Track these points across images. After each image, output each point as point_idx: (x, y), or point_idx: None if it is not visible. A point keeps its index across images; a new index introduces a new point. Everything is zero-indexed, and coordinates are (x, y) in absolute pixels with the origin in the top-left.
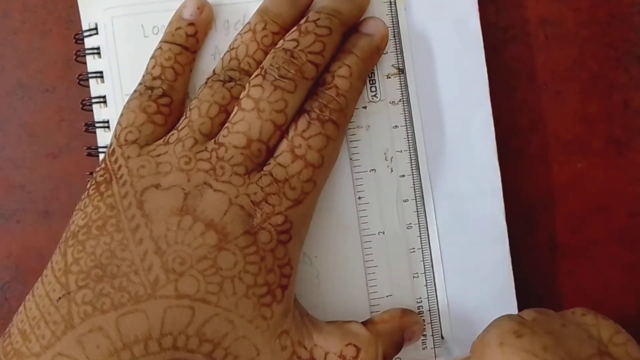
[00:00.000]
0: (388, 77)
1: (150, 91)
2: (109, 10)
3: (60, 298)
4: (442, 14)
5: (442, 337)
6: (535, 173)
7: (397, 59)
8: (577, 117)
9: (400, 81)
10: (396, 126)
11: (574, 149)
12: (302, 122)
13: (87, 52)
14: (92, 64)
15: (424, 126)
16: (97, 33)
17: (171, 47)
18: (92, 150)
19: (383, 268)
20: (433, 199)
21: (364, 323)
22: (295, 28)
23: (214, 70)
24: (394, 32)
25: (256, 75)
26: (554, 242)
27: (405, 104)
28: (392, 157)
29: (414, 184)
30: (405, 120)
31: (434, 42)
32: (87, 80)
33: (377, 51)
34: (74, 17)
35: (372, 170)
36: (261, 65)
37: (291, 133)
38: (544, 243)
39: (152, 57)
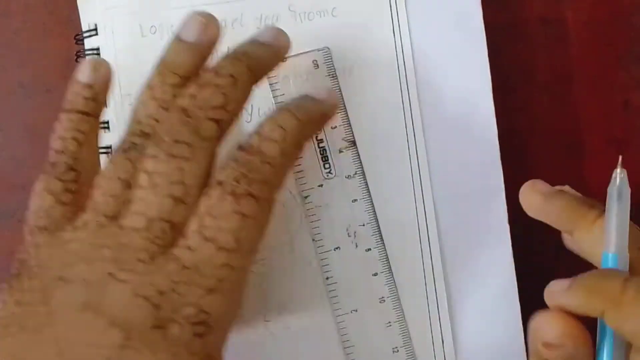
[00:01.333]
0: (341, 151)
1: (54, 168)
2: (109, 10)
3: None
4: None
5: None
6: (535, 173)
7: (347, 132)
8: (577, 117)
9: (353, 154)
10: (355, 200)
11: (574, 149)
12: (211, 197)
13: (87, 52)
14: None
15: (426, 128)
16: (97, 34)
17: (70, 116)
18: None
19: (361, 346)
20: (433, 199)
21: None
22: (193, 79)
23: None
24: (342, 105)
25: (150, 144)
26: (554, 242)
27: (360, 176)
28: (355, 232)
29: (380, 257)
30: (364, 193)
31: (436, 41)
32: None
33: (322, 118)
34: (74, 17)
35: (337, 248)
36: (155, 130)
37: (201, 208)
38: (544, 243)
39: (53, 131)
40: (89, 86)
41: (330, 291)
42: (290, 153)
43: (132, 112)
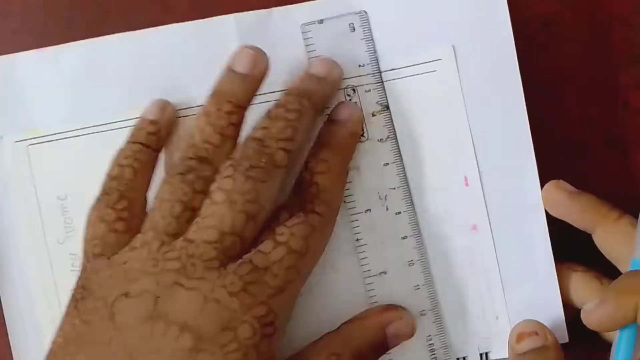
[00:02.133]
0: (373, 115)
1: (107, 196)
2: None
3: None
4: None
5: None
6: None
7: (381, 96)
8: (577, 117)
9: (386, 118)
10: (387, 163)
11: (574, 149)
12: (283, 214)
13: None
14: None
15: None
16: None
17: (131, 146)
18: None
19: None
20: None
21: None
22: (265, 114)
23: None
24: (372, 67)
25: (227, 167)
26: (554, 242)
27: (393, 140)
28: (385, 195)
29: (410, 220)
30: (395, 157)
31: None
32: None
33: (353, 138)
34: (74, 18)
35: (367, 210)
36: (231, 156)
37: (273, 224)
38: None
39: (112, 160)
40: (154, 122)
41: (359, 252)
42: (339, 177)
43: (182, 137)
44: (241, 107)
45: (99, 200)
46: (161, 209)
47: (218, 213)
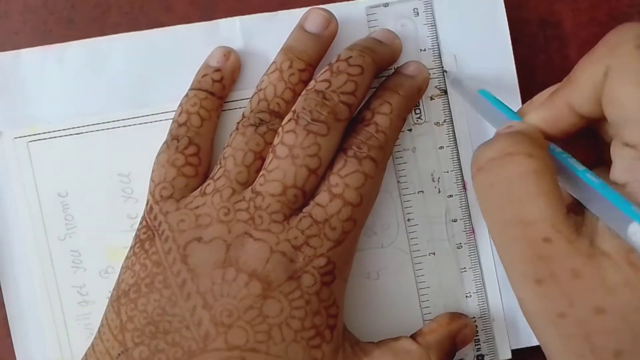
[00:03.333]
0: (432, 98)
1: (176, 142)
2: None
3: (119, 355)
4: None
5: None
6: None
7: (440, 80)
8: None
9: (444, 102)
10: (442, 147)
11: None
12: (339, 161)
13: None
14: None
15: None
16: None
17: (197, 93)
18: None
19: (435, 289)
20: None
21: (414, 336)
22: (326, 67)
23: (243, 114)
24: (434, 53)
25: (289, 120)
26: None
27: (449, 125)
28: (439, 178)
29: (461, 204)
30: (450, 141)
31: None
32: None
33: (418, 92)
34: (74, 18)
35: (420, 191)
36: (293, 109)
37: (328, 172)
38: None
39: (179, 105)
40: (218, 70)
41: (410, 232)
42: (397, 124)
43: (257, 89)
44: (312, 66)
45: (167, 144)
46: (234, 157)
47: (281, 167)
